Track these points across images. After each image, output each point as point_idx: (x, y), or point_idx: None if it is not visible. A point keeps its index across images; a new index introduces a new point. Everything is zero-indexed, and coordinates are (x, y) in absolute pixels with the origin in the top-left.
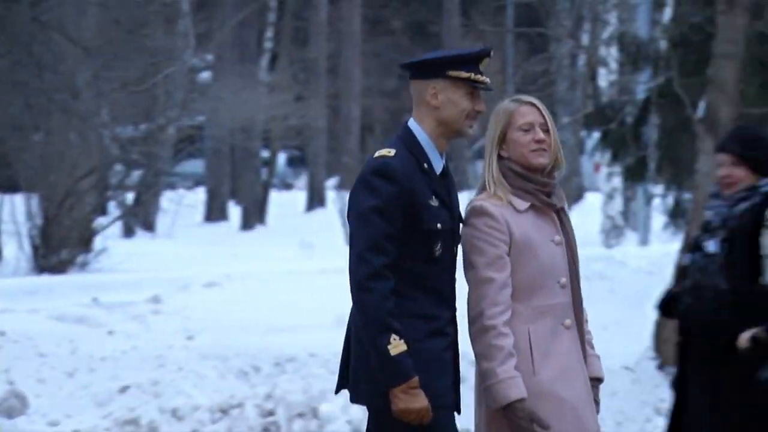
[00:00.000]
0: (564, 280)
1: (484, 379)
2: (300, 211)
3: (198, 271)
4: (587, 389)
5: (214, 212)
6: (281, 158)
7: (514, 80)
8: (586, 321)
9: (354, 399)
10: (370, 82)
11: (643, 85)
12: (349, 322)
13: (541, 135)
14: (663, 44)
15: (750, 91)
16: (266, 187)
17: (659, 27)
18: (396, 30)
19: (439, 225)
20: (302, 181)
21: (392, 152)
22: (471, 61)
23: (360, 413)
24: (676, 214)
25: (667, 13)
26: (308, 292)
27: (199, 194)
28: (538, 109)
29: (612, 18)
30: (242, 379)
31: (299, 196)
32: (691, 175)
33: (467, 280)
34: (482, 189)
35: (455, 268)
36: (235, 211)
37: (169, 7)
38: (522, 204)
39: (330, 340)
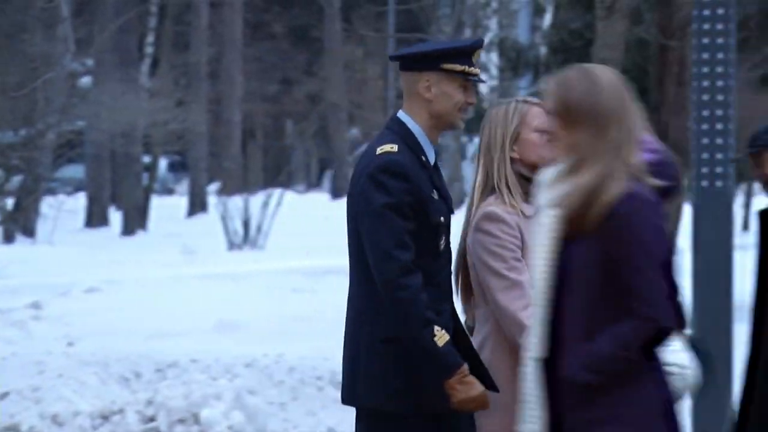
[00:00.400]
0: None
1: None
2: (181, 216)
3: (79, 277)
4: None
5: (95, 218)
6: (162, 163)
7: (395, 86)
8: None
9: (362, 402)
10: (252, 87)
11: (523, 90)
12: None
13: None
14: (543, 50)
15: None
16: (147, 193)
17: (539, 33)
18: (277, 34)
19: (441, 218)
20: (183, 186)
21: (395, 147)
22: (465, 54)
23: (241, 417)
24: None
25: (547, 19)
26: (189, 298)
27: (80, 199)
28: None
29: (492, 24)
30: (123, 384)
31: (180, 201)
32: None
33: (488, 286)
34: (486, 192)
35: (451, 260)
36: (116, 216)
37: (48, 11)
38: (529, 209)
39: (211, 345)
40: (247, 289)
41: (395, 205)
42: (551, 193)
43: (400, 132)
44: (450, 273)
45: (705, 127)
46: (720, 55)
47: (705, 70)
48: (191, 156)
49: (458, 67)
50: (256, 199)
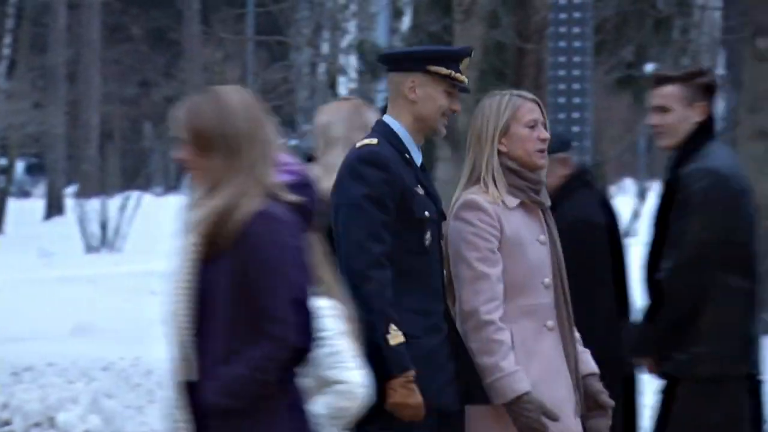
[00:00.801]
0: (548, 280)
1: (486, 374)
2: (38, 219)
3: None
4: (569, 390)
5: None
6: (19, 166)
7: (254, 88)
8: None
9: None
10: (110, 89)
11: (382, 93)
12: None
13: (546, 134)
14: None
15: None
16: (3, 195)
17: (398, 35)
18: (135, 36)
19: (427, 213)
20: (41, 188)
21: (375, 141)
22: (452, 59)
23: (98, 421)
24: None
25: (406, 22)
26: (46, 301)
27: None
28: (540, 107)
29: (351, 26)
30: None
31: (37, 203)
32: None
33: (457, 276)
34: (471, 182)
35: (443, 261)
36: None
37: None
38: (513, 201)
39: (68, 348)
40: (104, 292)
41: (373, 196)
42: (189, 217)
43: (382, 132)
44: (441, 272)
45: (561, 129)
46: (576, 59)
47: (561, 73)
48: (48, 158)
49: (444, 71)
50: (114, 202)
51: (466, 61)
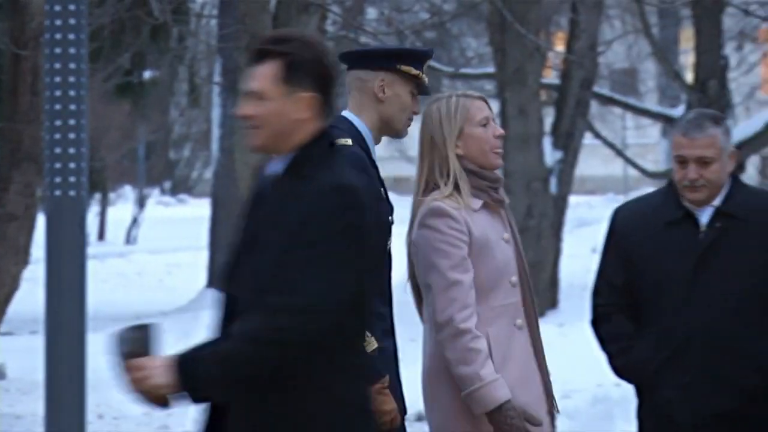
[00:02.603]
0: (515, 278)
1: (465, 384)
2: None
3: None
4: (541, 389)
5: None
6: None
7: None
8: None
9: None
10: None
11: None
12: None
13: (500, 130)
14: None
15: None
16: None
17: None
18: None
19: (390, 218)
20: None
21: (349, 141)
22: (420, 60)
23: None
24: None
25: None
26: None
27: None
28: (487, 104)
29: None
30: None
31: None
32: None
33: (429, 285)
34: (428, 189)
35: (392, 264)
36: None
37: None
38: (477, 203)
39: None
40: None
41: None
42: None
43: (348, 130)
44: (390, 276)
45: (58, 136)
46: (72, 65)
47: (57, 79)
48: None
49: (413, 71)
50: None
51: (427, 63)
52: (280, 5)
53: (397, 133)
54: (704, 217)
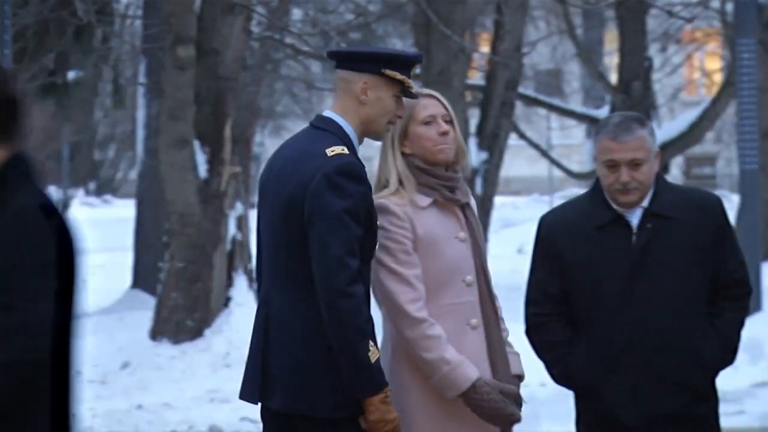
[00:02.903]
0: (470, 278)
1: (432, 371)
2: None
3: None
4: None
5: None
6: None
7: None
8: (502, 319)
9: (296, 408)
10: None
11: None
12: (260, 328)
13: (445, 127)
14: None
15: None
16: None
17: None
18: None
19: (379, 222)
20: None
21: (345, 150)
22: (406, 64)
23: None
24: None
25: None
26: None
27: None
28: (439, 100)
29: None
30: None
31: None
32: None
33: (380, 281)
34: (380, 187)
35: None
36: None
37: None
38: (425, 200)
39: None
40: None
41: (353, 210)
42: None
43: (337, 133)
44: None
45: None
46: None
47: None
48: None
49: (399, 76)
50: None
51: (415, 68)
52: (204, 6)
53: (376, 135)
54: (634, 218)
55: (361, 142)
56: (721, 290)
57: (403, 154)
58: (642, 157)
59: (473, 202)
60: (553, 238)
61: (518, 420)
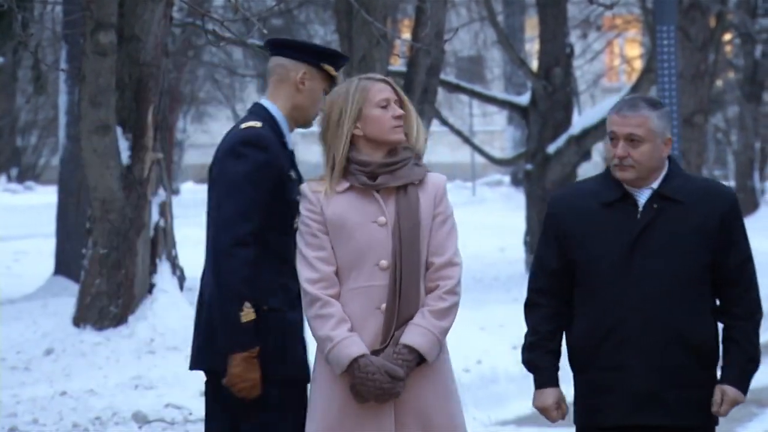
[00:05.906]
0: (385, 262)
1: (322, 349)
2: None
3: None
4: None
5: None
6: None
7: None
8: (426, 305)
9: (198, 365)
10: None
11: None
12: (203, 293)
13: (400, 111)
14: None
15: None
16: None
17: None
18: None
19: (297, 197)
20: None
21: (259, 123)
22: (339, 63)
23: None
24: None
25: None
26: None
27: None
28: (391, 86)
29: None
30: None
31: None
32: None
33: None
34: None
35: None
36: None
37: None
38: (342, 185)
39: None
40: None
41: (251, 175)
42: None
43: (263, 115)
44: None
45: None
46: None
47: None
48: None
49: (333, 72)
50: None
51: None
52: None
53: (306, 123)
54: (642, 198)
55: (292, 128)
56: (725, 287)
57: (354, 136)
58: (641, 135)
59: (434, 186)
60: (559, 212)
61: (396, 396)
